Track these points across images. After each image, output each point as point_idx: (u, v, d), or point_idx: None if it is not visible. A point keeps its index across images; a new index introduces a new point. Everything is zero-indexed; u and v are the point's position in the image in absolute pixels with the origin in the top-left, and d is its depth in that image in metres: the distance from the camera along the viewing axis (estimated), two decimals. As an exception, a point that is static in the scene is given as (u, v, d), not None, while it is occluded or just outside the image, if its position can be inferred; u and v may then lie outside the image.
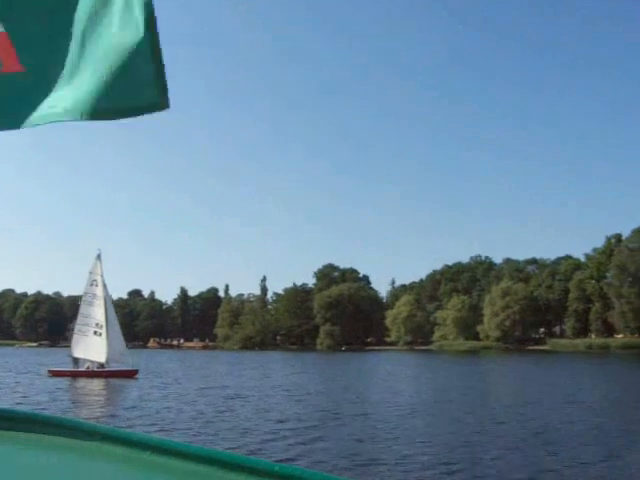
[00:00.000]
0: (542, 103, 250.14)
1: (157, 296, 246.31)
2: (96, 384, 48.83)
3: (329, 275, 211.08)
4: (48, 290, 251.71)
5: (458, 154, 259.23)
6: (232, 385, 48.32)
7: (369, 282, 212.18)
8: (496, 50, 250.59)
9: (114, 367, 56.52)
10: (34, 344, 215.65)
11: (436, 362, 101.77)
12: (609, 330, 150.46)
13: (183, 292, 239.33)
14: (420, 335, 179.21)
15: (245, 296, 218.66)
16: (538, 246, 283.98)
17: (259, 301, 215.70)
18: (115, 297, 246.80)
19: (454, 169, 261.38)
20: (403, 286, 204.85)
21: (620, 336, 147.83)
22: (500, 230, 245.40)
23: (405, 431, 25.11)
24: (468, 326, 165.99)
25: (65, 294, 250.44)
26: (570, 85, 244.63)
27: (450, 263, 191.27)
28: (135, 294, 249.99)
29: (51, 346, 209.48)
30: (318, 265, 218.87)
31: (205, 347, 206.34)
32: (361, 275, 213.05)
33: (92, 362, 56.67)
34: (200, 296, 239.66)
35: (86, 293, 59.49)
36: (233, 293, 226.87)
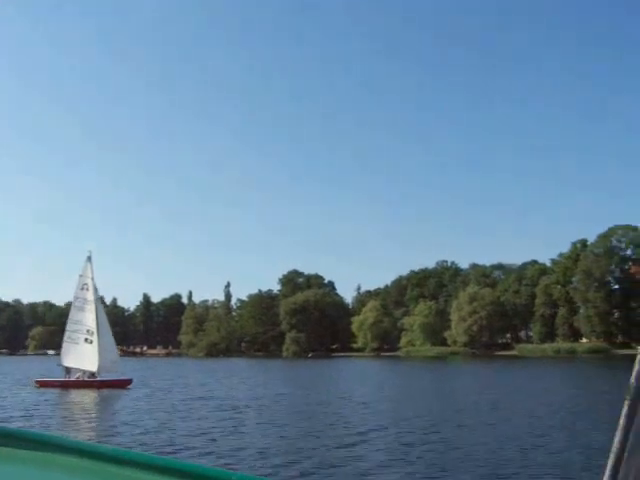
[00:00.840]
0: (505, 109, 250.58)
1: (119, 303, 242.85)
2: (88, 395, 46.10)
3: (294, 281, 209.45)
4: (7, 297, 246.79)
5: (424, 159, 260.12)
6: (223, 395, 45.46)
7: (334, 288, 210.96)
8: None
9: (106, 376, 53.37)
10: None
11: (404, 368, 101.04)
12: (575, 335, 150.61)
13: (146, 299, 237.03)
14: (387, 341, 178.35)
15: (209, 302, 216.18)
16: (503, 251, 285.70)
17: (223, 307, 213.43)
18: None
19: (419, 175, 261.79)
20: (368, 292, 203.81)
21: (585, 341, 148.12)
22: (466, 235, 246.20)
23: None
24: (435, 332, 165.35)
25: (25, 301, 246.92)
26: (533, 89, 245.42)
27: (416, 269, 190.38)
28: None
29: (10, 354, 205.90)
30: (282, 271, 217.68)
31: (169, 354, 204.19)
32: (326, 281, 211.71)
33: (83, 372, 53.64)
34: (163, 303, 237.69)
35: (76, 297, 56.15)
36: (197, 299, 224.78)
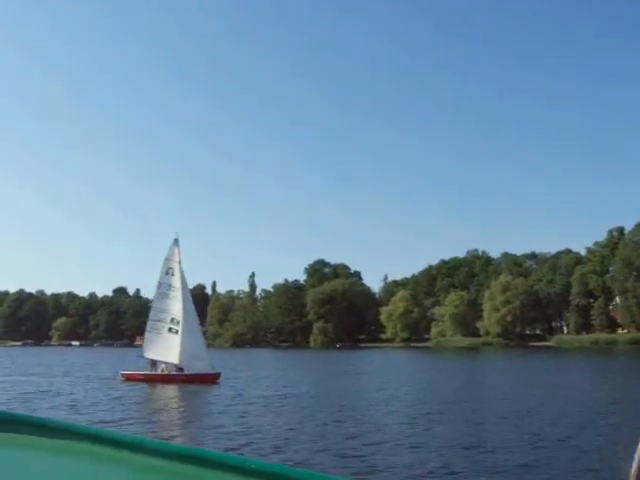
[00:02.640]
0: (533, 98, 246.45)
1: (142, 293, 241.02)
2: (172, 391, 42.49)
3: (320, 271, 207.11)
4: (31, 288, 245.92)
5: (453, 150, 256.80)
6: (314, 390, 42.21)
7: (360, 278, 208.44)
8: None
9: (193, 370, 48.64)
10: (18, 343, 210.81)
11: (440, 359, 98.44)
12: (612, 325, 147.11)
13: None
14: (416, 331, 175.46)
15: (235, 293, 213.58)
16: (535, 240, 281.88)
17: (249, 298, 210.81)
18: (100, 294, 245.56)
19: (446, 166, 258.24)
20: (395, 282, 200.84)
21: (623, 331, 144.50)
22: (496, 225, 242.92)
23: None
24: (466, 322, 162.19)
25: (48, 292, 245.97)
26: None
27: (446, 258, 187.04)
28: (120, 292, 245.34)
29: (35, 345, 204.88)
30: (306, 262, 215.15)
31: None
32: (352, 271, 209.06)
33: (167, 364, 49.29)
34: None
35: (161, 283, 51.50)
36: (220, 290, 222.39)
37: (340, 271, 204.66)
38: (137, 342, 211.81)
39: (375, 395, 38.10)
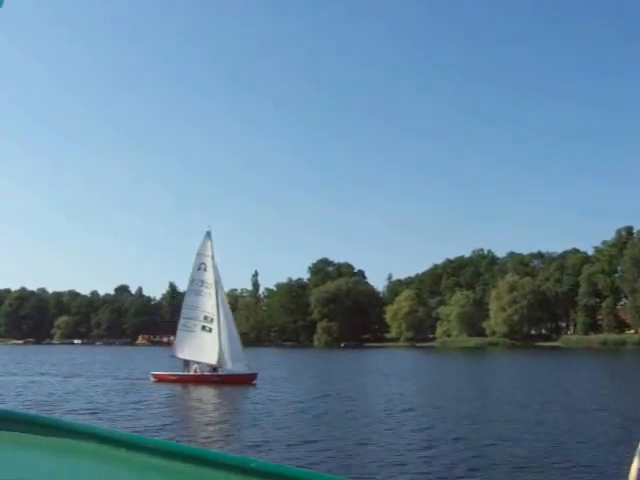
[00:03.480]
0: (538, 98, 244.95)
1: (145, 292, 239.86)
2: (206, 392, 40.79)
3: (324, 270, 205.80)
4: (32, 286, 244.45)
5: (456, 151, 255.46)
6: (357, 392, 40.54)
7: (364, 277, 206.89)
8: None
9: (228, 370, 46.68)
10: (20, 341, 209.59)
11: (448, 359, 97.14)
12: (620, 325, 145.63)
13: (172, 287, 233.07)
14: (421, 331, 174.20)
15: (238, 291, 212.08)
16: (539, 240, 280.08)
17: (252, 297, 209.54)
18: (101, 293, 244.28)
19: (450, 166, 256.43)
20: (399, 281, 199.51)
21: (631, 331, 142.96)
22: (500, 224, 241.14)
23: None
24: (472, 322, 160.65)
25: (50, 290, 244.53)
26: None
27: (451, 257, 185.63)
28: (122, 290, 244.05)
29: (36, 343, 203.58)
30: (309, 261, 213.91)
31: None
32: (356, 270, 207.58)
33: (199, 364, 47.15)
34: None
35: (193, 280, 49.15)
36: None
37: (344, 270, 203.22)
38: (139, 341, 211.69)
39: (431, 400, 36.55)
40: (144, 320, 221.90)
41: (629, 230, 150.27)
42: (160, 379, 46.72)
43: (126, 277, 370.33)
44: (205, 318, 47.63)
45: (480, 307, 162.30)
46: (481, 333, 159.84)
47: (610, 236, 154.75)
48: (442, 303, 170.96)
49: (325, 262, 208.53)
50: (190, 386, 44.04)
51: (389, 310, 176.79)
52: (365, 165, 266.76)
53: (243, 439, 21.68)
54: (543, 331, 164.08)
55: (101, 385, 43.85)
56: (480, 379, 55.87)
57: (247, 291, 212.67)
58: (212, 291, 47.96)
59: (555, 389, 42.30)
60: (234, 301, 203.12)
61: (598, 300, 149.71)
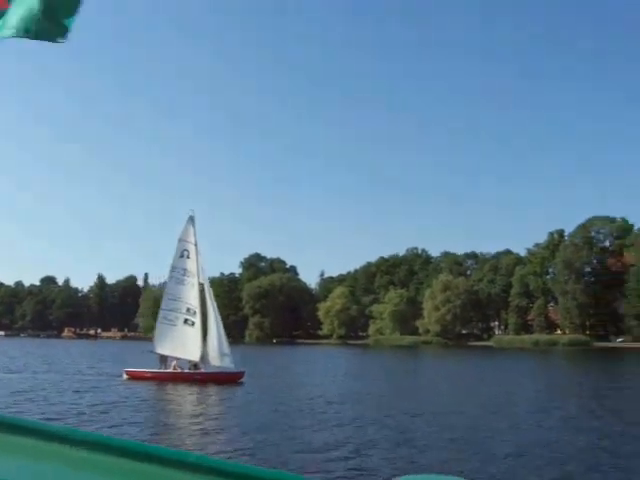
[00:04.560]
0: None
1: (72, 283, 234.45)
2: (186, 392, 36.92)
3: (256, 265, 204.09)
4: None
5: (387, 145, 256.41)
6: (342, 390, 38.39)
7: (297, 273, 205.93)
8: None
9: (211, 367, 42.83)
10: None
11: (385, 357, 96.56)
12: (550, 326, 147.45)
13: (100, 280, 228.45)
14: (353, 329, 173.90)
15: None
16: (473, 241, 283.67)
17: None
18: (27, 283, 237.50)
19: (385, 164, 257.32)
20: (331, 278, 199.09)
21: (560, 332, 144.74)
22: (435, 224, 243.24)
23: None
24: (406, 320, 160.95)
25: None
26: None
27: (385, 255, 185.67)
28: (48, 281, 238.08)
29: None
30: (240, 256, 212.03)
31: (124, 337, 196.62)
32: (288, 266, 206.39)
33: (179, 360, 43.36)
34: (118, 284, 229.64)
35: (174, 267, 44.85)
36: (152, 282, 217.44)
37: (276, 266, 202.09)
38: (65, 333, 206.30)
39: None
40: (70, 312, 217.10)
41: (560, 233, 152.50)
42: (134, 377, 42.52)
43: (53, 268, 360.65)
44: (188, 310, 43.80)
45: (414, 306, 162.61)
46: (414, 332, 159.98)
47: (542, 239, 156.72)
48: (375, 301, 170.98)
49: (257, 257, 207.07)
50: (169, 385, 40.28)
51: (322, 307, 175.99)
52: (297, 162, 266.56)
53: (233, 442, 20.03)
54: (475, 331, 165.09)
55: (61, 383, 39.67)
56: (416, 377, 55.90)
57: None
58: (195, 281, 44.46)
59: (491, 387, 42.11)
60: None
61: (530, 301, 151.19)
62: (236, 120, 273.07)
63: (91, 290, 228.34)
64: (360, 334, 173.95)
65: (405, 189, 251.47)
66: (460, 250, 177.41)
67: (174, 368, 43.39)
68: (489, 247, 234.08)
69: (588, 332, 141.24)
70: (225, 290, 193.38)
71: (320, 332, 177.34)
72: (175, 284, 44.48)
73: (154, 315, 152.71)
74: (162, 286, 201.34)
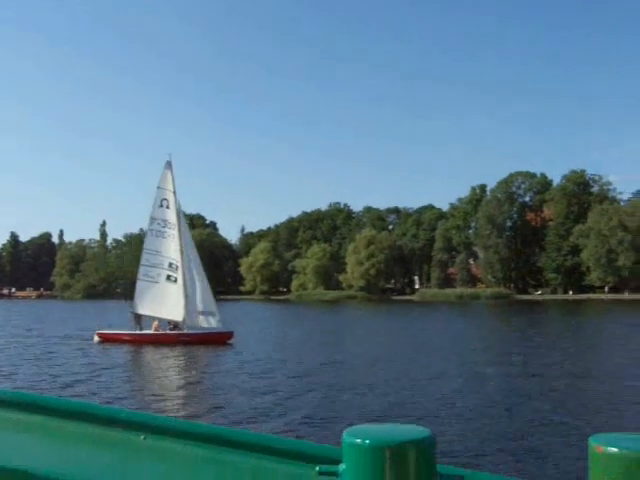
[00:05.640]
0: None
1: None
2: (169, 354, 33.97)
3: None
4: None
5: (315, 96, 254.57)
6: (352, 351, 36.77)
7: (216, 229, 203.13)
8: None
9: (199, 328, 39.93)
10: None
11: (308, 312, 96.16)
12: (473, 280, 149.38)
13: (13, 237, 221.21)
14: (276, 284, 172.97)
15: (85, 242, 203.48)
16: (395, 196, 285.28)
17: (101, 247, 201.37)
18: None
19: (307, 111, 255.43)
20: (252, 234, 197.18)
21: (482, 286, 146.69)
22: (357, 179, 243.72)
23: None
24: (329, 275, 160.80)
25: None
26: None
27: (308, 210, 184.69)
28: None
29: None
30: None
31: (40, 296, 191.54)
32: (208, 222, 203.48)
33: (160, 320, 39.81)
34: (32, 242, 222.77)
35: (154, 219, 41.60)
36: (68, 239, 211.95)
37: (196, 221, 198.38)
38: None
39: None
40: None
41: (483, 188, 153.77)
42: (106, 339, 39.39)
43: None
44: (170, 265, 40.87)
45: (336, 261, 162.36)
46: (337, 286, 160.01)
47: (465, 193, 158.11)
48: (298, 256, 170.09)
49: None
50: (146, 347, 37.37)
51: (244, 262, 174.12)
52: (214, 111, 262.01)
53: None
54: (398, 285, 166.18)
55: (21, 346, 37.30)
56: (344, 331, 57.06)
57: (95, 242, 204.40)
58: (176, 232, 41.42)
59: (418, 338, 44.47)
60: (81, 252, 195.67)
61: (451, 255, 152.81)
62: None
63: (3, 248, 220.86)
64: (283, 289, 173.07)
65: (327, 145, 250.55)
66: (382, 205, 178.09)
67: (155, 329, 40.37)
68: (412, 203, 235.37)
69: (509, 285, 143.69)
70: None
71: (242, 288, 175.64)
72: (155, 237, 41.70)
73: (70, 273, 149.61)
74: (80, 243, 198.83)
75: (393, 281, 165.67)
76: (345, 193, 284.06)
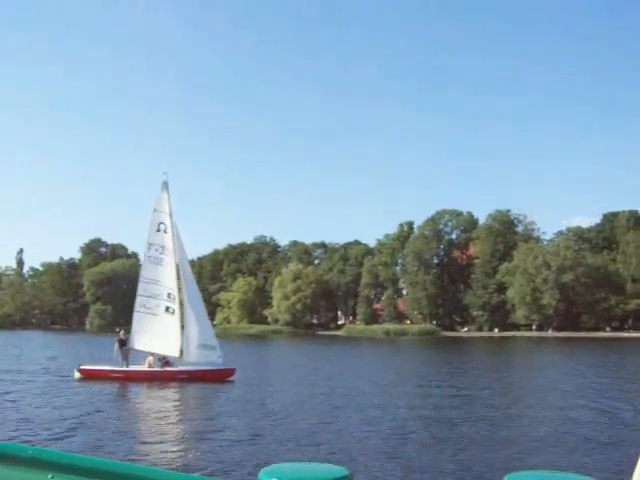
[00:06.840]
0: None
1: None
2: (160, 395, 30.54)
3: (96, 250, 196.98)
4: None
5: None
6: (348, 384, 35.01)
7: (138, 259, 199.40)
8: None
9: (197, 363, 36.18)
10: None
11: (234, 345, 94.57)
12: (399, 316, 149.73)
13: None
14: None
15: (1, 270, 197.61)
16: (321, 232, 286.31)
17: (17, 276, 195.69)
18: None
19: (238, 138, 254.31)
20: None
21: (408, 322, 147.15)
22: (283, 214, 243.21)
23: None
24: (254, 309, 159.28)
25: None
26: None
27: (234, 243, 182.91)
28: None
29: None
30: (82, 240, 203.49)
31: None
32: (130, 252, 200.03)
33: (154, 355, 36.02)
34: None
35: (151, 244, 37.87)
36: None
37: (119, 252, 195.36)
38: None
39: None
40: None
41: (410, 225, 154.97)
42: (89, 376, 34.84)
43: None
44: (169, 296, 37.08)
45: (262, 295, 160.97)
46: (262, 321, 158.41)
47: (393, 230, 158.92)
48: (222, 289, 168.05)
49: (98, 242, 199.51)
50: (133, 386, 33.73)
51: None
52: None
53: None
54: (322, 320, 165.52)
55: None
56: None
57: (12, 269, 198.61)
58: (172, 260, 37.64)
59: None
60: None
61: (380, 291, 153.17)
62: None
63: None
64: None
65: (254, 179, 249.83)
66: (308, 240, 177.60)
67: (150, 365, 36.38)
68: (337, 238, 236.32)
69: (435, 322, 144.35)
70: (64, 276, 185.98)
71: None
72: (153, 264, 37.62)
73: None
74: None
75: (316, 316, 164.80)
76: (271, 227, 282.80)
